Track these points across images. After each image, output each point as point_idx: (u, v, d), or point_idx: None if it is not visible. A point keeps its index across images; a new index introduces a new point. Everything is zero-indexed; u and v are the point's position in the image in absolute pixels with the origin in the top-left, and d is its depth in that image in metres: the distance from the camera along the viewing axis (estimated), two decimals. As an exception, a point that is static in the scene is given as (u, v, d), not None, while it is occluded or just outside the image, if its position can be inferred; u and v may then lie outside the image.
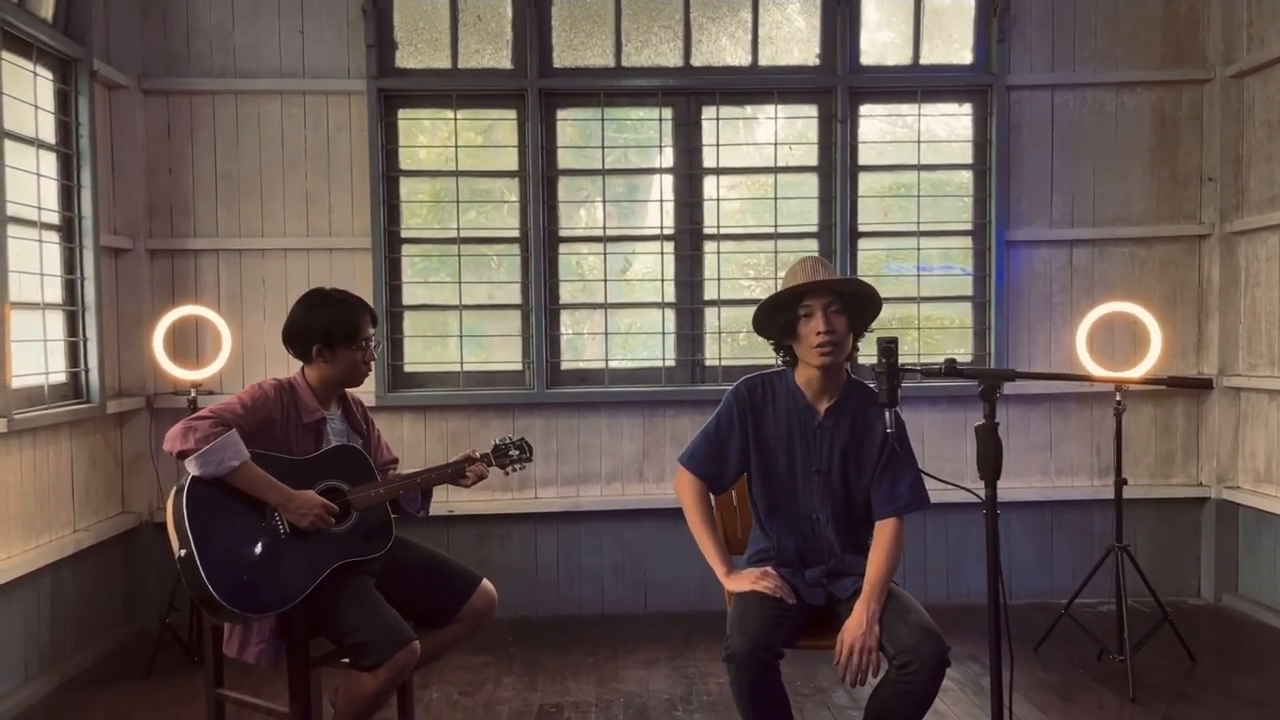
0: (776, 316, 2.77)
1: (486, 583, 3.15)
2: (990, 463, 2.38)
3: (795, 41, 4.97)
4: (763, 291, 5.01)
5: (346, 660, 2.92)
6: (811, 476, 2.82)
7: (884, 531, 2.77)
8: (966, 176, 5.04)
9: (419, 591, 3.06)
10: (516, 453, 3.29)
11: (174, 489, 2.77)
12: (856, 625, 2.61)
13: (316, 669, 3.03)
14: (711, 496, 2.93)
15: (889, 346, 2.42)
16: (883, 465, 2.79)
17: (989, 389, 2.37)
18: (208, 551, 2.67)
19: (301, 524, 2.79)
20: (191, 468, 2.70)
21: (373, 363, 3.09)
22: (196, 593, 2.67)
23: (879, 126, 5.03)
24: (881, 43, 5.03)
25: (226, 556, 2.70)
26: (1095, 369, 4.33)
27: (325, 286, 3.11)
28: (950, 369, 2.43)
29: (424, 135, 4.99)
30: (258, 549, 2.76)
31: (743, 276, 5.08)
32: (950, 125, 5.07)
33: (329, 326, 2.95)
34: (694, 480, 2.87)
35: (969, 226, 5.03)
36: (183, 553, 2.67)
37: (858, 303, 2.77)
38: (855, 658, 2.59)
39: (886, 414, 2.46)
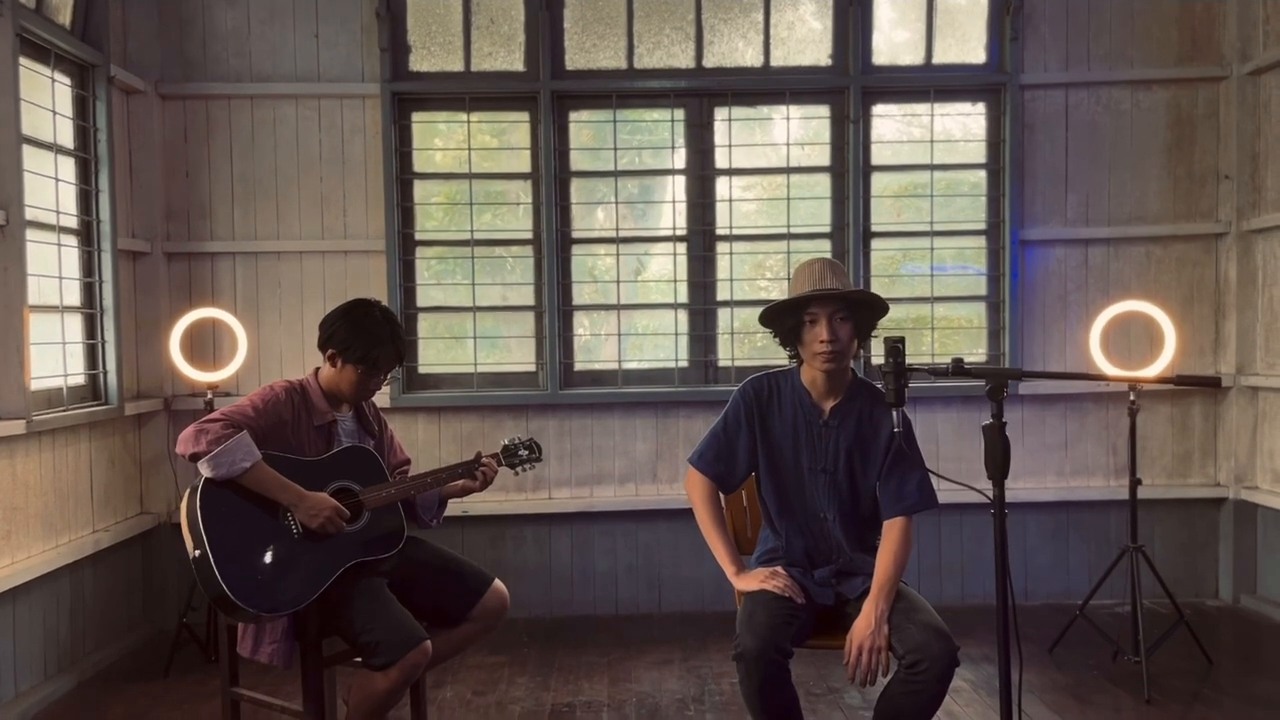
0: (783, 321, 2.78)
1: (499, 583, 3.17)
2: (998, 462, 2.38)
3: (807, 42, 4.97)
4: (777, 293, 5.01)
5: (359, 659, 2.95)
6: (818, 475, 2.82)
7: (892, 531, 2.77)
8: (980, 176, 5.02)
9: (431, 591, 3.08)
10: (526, 453, 3.31)
11: (187, 490, 2.80)
12: (865, 625, 2.61)
13: (330, 668, 3.06)
14: (721, 496, 2.94)
15: (896, 346, 2.43)
16: (890, 465, 2.78)
17: (996, 388, 2.37)
18: (222, 552, 2.70)
19: (313, 525, 2.82)
20: (204, 469, 2.73)
21: (377, 389, 3.10)
22: (211, 593, 2.70)
23: (892, 126, 5.02)
24: (894, 42, 5.02)
25: (240, 557, 2.72)
26: (1109, 368, 4.31)
27: (381, 305, 3.05)
28: (958, 368, 2.43)
29: (438, 138, 5.01)
30: (271, 549, 2.78)
31: (756, 277, 5.08)
32: (964, 125, 5.05)
33: (351, 341, 2.96)
34: (704, 480, 2.87)
35: (983, 226, 5.01)
36: (197, 553, 2.70)
37: (864, 307, 2.77)
38: (864, 657, 2.59)
39: (894, 414, 2.48)
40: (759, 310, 4.89)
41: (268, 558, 2.77)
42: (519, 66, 4.90)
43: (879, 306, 2.78)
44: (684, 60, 4.93)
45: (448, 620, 3.09)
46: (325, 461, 2.96)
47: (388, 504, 3.01)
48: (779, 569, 2.76)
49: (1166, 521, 4.98)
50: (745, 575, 2.77)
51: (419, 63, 4.90)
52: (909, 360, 2.48)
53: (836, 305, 2.72)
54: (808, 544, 2.84)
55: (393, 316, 3.09)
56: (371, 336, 2.98)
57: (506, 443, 3.31)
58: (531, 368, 4.99)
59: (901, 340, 2.45)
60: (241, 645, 2.95)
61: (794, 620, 2.63)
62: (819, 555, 2.84)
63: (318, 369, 3.09)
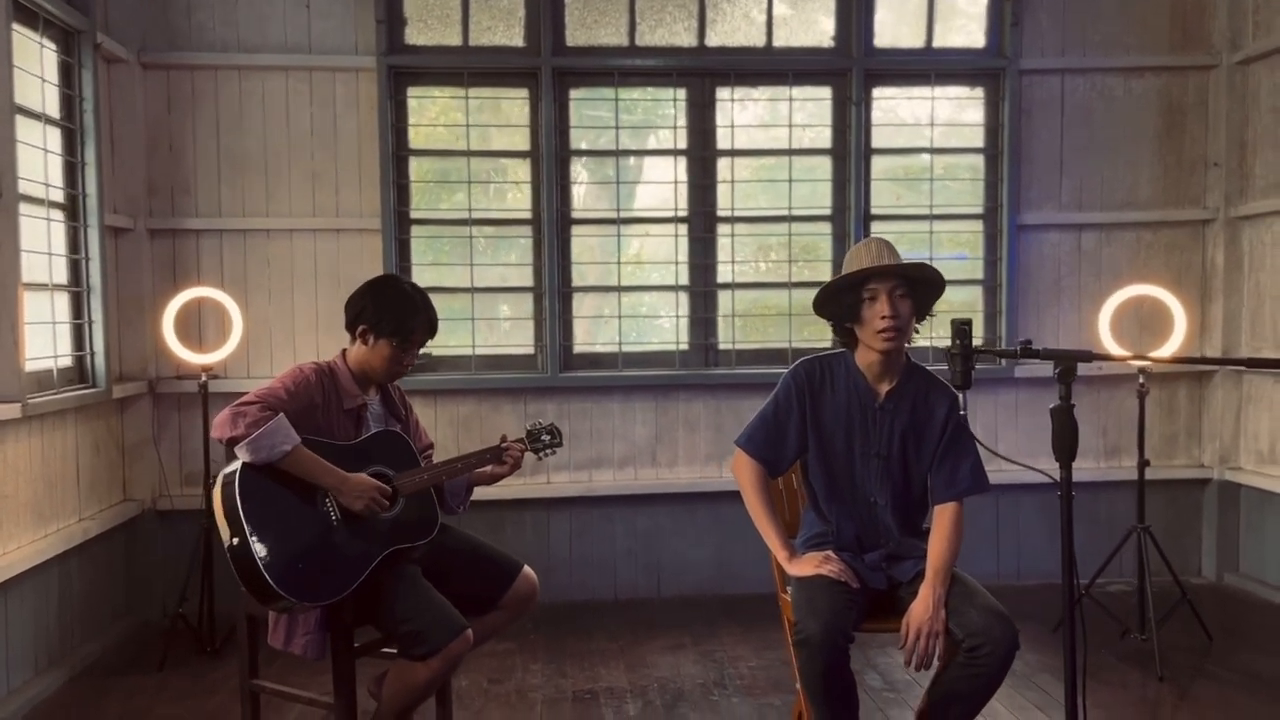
0: (841, 298, 2.74)
1: (528, 569, 3.11)
2: (1066, 445, 2.37)
3: (810, 23, 4.93)
4: (777, 275, 4.98)
5: (392, 650, 2.87)
6: (870, 460, 2.80)
7: (945, 515, 2.75)
8: (978, 160, 5.04)
9: (462, 578, 3.00)
10: (549, 437, 3.25)
11: (220, 477, 2.68)
12: (923, 609, 2.60)
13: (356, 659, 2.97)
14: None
15: (964, 328, 2.40)
16: (944, 449, 2.77)
17: (1066, 370, 2.36)
18: (262, 540, 2.59)
19: (355, 507, 2.72)
20: (242, 454, 2.61)
21: (410, 366, 3.01)
22: (250, 582, 2.59)
23: (892, 110, 5.01)
24: (895, 25, 5.00)
25: (280, 545, 2.61)
26: (1116, 351, 4.36)
27: (407, 280, 3.04)
28: (1027, 350, 2.41)
29: (432, 114, 4.87)
30: (311, 536, 2.68)
31: (756, 260, 5.04)
32: (962, 109, 5.06)
33: (382, 315, 2.87)
34: (753, 463, 2.83)
35: (980, 210, 5.04)
36: (235, 541, 2.58)
37: (922, 286, 2.75)
38: (922, 642, 2.57)
39: (960, 396, 2.46)
40: (760, 293, 4.98)
41: (308, 546, 2.66)
42: (519, 42, 4.78)
43: (936, 285, 2.76)
44: (686, 39, 4.85)
45: (477, 607, 3.01)
46: (358, 446, 2.86)
47: (422, 490, 2.93)
48: (831, 553, 2.73)
49: (1152, 502, 5.01)
50: (798, 560, 2.73)
51: (415, 36, 4.75)
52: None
53: (896, 281, 2.70)
54: (858, 528, 2.82)
55: (420, 288, 3.03)
56: (403, 307, 2.91)
57: (529, 427, 3.25)
58: (530, 350, 4.89)
59: (968, 322, 2.41)
60: (273, 637, 2.84)
61: (853, 605, 2.61)
62: (869, 540, 2.82)
63: (344, 351, 2.99)
